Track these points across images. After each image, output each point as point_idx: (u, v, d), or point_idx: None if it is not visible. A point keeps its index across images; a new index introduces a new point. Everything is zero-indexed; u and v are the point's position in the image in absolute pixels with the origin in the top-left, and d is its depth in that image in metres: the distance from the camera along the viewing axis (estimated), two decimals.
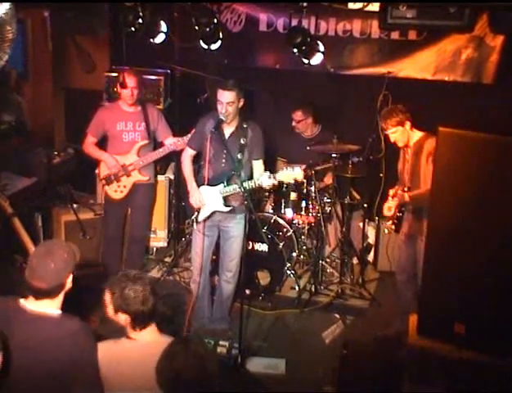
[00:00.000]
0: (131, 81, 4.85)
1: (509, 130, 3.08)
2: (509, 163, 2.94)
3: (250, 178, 4.34)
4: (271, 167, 4.70)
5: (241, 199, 4.30)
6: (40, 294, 2.61)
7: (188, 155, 4.54)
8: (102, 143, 5.11)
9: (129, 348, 2.78)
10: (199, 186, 4.42)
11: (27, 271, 2.61)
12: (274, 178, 4.20)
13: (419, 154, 4.25)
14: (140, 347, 2.77)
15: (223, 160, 4.32)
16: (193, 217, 4.46)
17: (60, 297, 2.67)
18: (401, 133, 4.29)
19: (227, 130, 4.30)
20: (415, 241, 4.36)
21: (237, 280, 4.63)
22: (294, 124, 5.68)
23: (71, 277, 2.68)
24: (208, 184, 4.37)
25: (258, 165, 4.41)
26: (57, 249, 2.66)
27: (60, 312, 2.66)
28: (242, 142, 4.26)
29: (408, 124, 4.27)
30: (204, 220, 4.45)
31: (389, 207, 4.45)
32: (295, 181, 4.43)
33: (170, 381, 2.40)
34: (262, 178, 4.21)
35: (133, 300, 2.69)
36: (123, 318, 2.74)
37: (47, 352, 2.56)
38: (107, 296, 2.76)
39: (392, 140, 4.35)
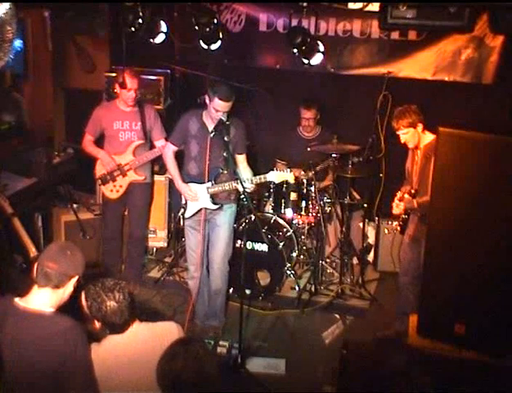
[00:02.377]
0: (132, 82, 4.84)
1: (509, 130, 3.09)
2: (509, 163, 2.95)
3: (235, 173, 4.36)
4: (270, 169, 4.68)
5: (228, 195, 4.41)
6: (46, 279, 2.62)
7: (171, 151, 4.54)
8: (100, 144, 5.12)
9: (114, 345, 2.76)
10: (185, 183, 4.45)
11: (42, 255, 2.71)
12: (251, 181, 4.28)
13: (429, 158, 4.09)
14: (126, 341, 2.76)
15: (209, 158, 4.34)
16: (179, 214, 4.50)
17: (59, 295, 2.67)
18: (412, 135, 4.20)
19: (212, 128, 4.30)
20: (420, 244, 4.28)
21: (228, 273, 4.61)
22: (304, 122, 5.64)
23: (76, 279, 2.69)
24: (194, 181, 4.41)
25: (241, 160, 4.47)
26: (76, 249, 2.76)
27: (52, 310, 2.65)
28: (226, 139, 4.27)
29: (420, 126, 4.18)
30: (192, 216, 4.48)
31: (398, 204, 4.39)
32: (287, 182, 4.51)
33: (170, 383, 2.40)
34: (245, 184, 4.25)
35: (108, 312, 2.67)
36: (98, 325, 2.75)
37: (38, 349, 2.56)
38: (83, 302, 2.74)
39: (402, 141, 4.26)
